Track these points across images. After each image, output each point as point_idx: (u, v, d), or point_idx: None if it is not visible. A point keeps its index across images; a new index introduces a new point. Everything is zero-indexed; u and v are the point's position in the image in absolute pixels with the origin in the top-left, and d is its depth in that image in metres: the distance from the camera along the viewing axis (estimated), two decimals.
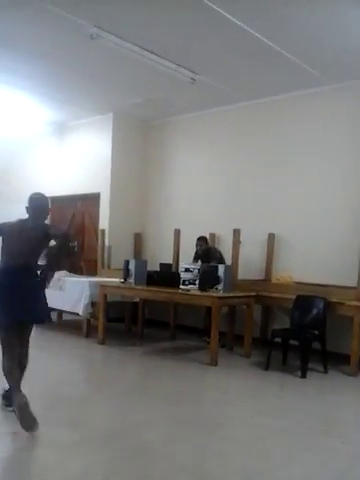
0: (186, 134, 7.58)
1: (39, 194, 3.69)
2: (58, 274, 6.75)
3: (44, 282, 3.53)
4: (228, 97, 6.64)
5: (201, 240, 6.42)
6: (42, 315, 3.61)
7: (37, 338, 6.34)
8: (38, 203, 3.61)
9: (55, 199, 8.64)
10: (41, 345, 6.02)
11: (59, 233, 3.62)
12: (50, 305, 6.33)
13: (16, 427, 3.08)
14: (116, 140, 7.78)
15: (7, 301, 3.34)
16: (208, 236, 6.66)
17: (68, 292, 6.41)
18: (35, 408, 3.24)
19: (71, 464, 2.73)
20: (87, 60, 5.64)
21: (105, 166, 7.78)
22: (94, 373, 5.16)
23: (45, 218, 3.64)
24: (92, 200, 7.98)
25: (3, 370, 3.35)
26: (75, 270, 7.73)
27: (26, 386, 3.51)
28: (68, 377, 4.73)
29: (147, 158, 8.06)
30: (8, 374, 3.33)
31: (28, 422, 3.10)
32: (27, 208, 3.61)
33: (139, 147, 8.04)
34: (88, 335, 6.30)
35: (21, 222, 3.59)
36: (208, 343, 5.64)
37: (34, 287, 3.46)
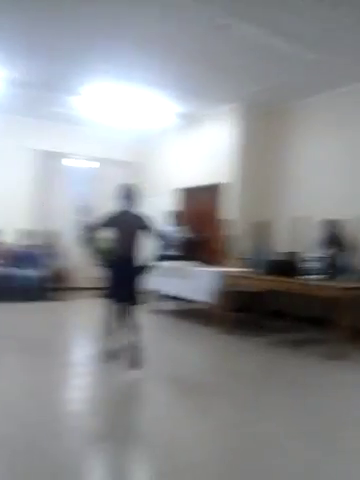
0: (311, 118, 7.30)
1: (129, 184, 4.40)
2: (183, 264, 7.08)
3: (143, 270, 4.31)
4: (356, 75, 6.25)
5: (327, 224, 6.14)
6: (134, 298, 4.38)
7: (164, 326, 6.77)
8: (131, 192, 4.30)
9: (183, 191, 8.99)
10: (166, 333, 6.40)
11: (157, 232, 4.30)
12: (175, 294, 6.91)
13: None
14: (241, 129, 7.79)
15: (115, 282, 4.30)
16: (334, 223, 6.37)
17: (193, 281, 6.64)
18: (166, 395, 3.69)
19: (199, 450, 2.87)
20: (213, 50, 5.71)
21: (230, 156, 7.86)
22: (220, 363, 5.25)
23: (137, 205, 4.33)
24: (217, 190, 8.12)
25: (104, 325, 4.43)
26: (200, 260, 7.94)
27: (155, 372, 4.03)
28: (195, 366, 4.92)
29: (271, 146, 7.91)
30: (107, 328, 4.43)
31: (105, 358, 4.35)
32: (120, 198, 4.27)
33: (263, 135, 7.93)
34: (212, 324, 6.46)
35: (122, 212, 4.28)
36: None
37: (134, 273, 4.29)
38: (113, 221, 4.28)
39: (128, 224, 4.26)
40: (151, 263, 4.40)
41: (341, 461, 2.79)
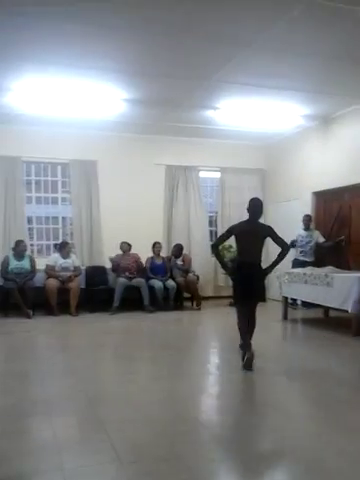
0: None
1: (255, 198, 4.82)
2: (318, 270, 6.84)
3: (265, 272, 4.67)
4: None
5: None
6: (259, 296, 4.74)
7: (304, 335, 6.45)
8: (255, 205, 4.69)
9: (319, 194, 8.54)
10: (302, 342, 6.15)
11: (279, 240, 4.66)
12: (316, 301, 6.65)
13: None
14: None
15: (240, 284, 4.66)
16: None
17: (336, 288, 6.24)
18: (306, 407, 3.61)
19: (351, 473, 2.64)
20: (353, 45, 5.31)
21: None
22: None
23: (260, 217, 4.73)
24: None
25: (238, 328, 4.67)
26: (343, 265, 7.43)
27: (294, 383, 3.86)
28: (337, 377, 4.59)
29: None
30: (241, 330, 4.65)
31: (246, 366, 4.44)
32: (247, 209, 4.68)
33: None
34: (358, 333, 5.98)
35: (245, 223, 4.74)
36: None
37: (257, 275, 4.63)
38: (238, 230, 4.67)
39: (252, 232, 4.62)
40: (273, 267, 4.67)
41: None
